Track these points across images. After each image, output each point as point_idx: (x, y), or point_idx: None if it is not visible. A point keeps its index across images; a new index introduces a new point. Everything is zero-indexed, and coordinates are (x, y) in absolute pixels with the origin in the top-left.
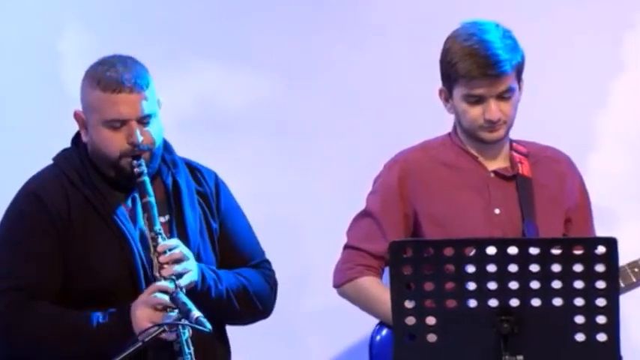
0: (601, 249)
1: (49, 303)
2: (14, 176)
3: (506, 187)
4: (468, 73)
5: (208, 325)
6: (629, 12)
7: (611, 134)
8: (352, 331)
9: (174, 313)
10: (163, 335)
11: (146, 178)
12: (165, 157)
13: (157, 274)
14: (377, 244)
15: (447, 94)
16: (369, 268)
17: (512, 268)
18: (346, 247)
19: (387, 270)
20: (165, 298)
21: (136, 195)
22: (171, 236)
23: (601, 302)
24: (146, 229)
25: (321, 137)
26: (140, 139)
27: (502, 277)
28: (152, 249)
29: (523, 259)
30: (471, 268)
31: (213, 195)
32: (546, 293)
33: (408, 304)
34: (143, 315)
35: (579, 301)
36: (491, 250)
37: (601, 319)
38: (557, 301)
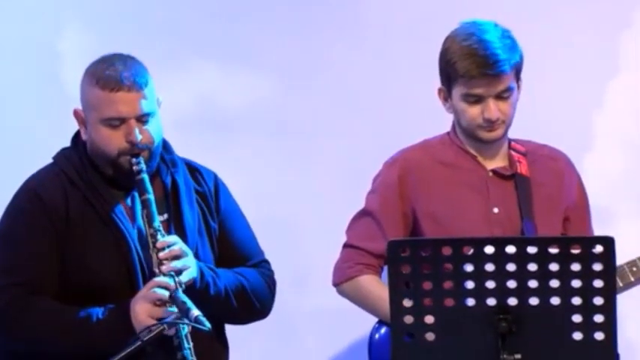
0: (598, 248)
1: (48, 299)
2: (14, 176)
3: (505, 186)
4: (467, 73)
5: (207, 324)
6: (627, 11)
7: (609, 134)
8: (351, 330)
9: (174, 309)
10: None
11: (145, 176)
12: (164, 156)
13: (156, 270)
14: (376, 243)
15: (445, 93)
16: (368, 266)
17: (510, 267)
18: (345, 245)
19: (386, 268)
20: (165, 293)
21: (135, 194)
22: (169, 235)
23: (598, 301)
24: (145, 227)
25: (320, 137)
26: (139, 137)
27: (500, 276)
28: (151, 245)
29: (521, 258)
30: (469, 267)
31: (213, 195)
32: (544, 292)
33: (407, 303)
34: (142, 310)
35: (577, 300)
36: (489, 249)
37: (598, 318)
38: (555, 300)
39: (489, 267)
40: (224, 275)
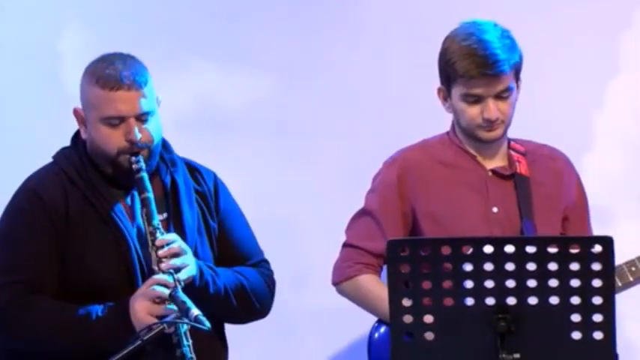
0: (597, 248)
1: (48, 298)
2: (14, 176)
3: (504, 186)
4: (467, 73)
5: (207, 324)
6: (627, 11)
7: (608, 134)
8: (351, 329)
9: (173, 306)
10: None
11: (144, 174)
12: (163, 155)
13: (155, 268)
14: (376, 243)
15: (445, 93)
16: (367, 266)
17: (509, 266)
18: (345, 245)
19: (385, 268)
20: (164, 290)
21: (135, 193)
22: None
23: (597, 300)
24: (144, 226)
25: (320, 137)
26: (138, 136)
27: (499, 275)
28: (150, 243)
29: (520, 257)
30: (468, 267)
31: (212, 194)
32: (543, 291)
33: (406, 303)
34: (141, 308)
35: (576, 300)
36: (488, 249)
37: (597, 317)
38: (554, 300)
39: (488, 266)
40: (223, 274)
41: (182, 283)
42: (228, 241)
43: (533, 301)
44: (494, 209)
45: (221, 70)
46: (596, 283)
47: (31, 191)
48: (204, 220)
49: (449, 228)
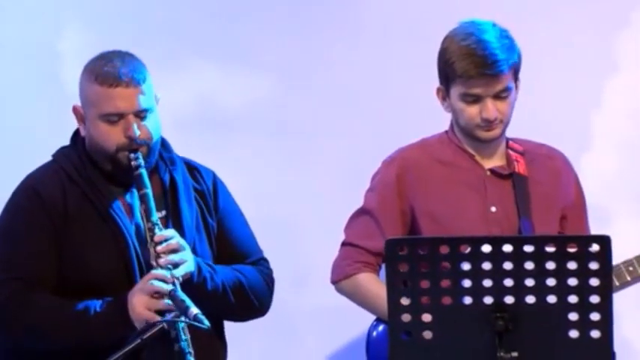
0: (595, 247)
1: (47, 294)
2: (14, 176)
3: (503, 185)
4: (466, 73)
5: (206, 322)
6: (625, 12)
7: (606, 133)
8: (350, 327)
9: (170, 302)
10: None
11: (143, 171)
12: (162, 154)
13: (154, 263)
14: (374, 241)
15: (444, 92)
16: (366, 264)
17: (507, 265)
18: (344, 244)
19: (384, 266)
20: (162, 285)
21: (134, 190)
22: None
23: (595, 299)
24: (143, 223)
25: (320, 137)
26: (137, 133)
27: (497, 274)
28: (149, 239)
29: (518, 256)
30: (466, 266)
31: (211, 193)
32: (541, 291)
33: (404, 302)
34: (140, 302)
35: (573, 299)
36: (486, 248)
37: (595, 316)
38: (552, 299)
39: (486, 265)
40: (221, 271)
41: (180, 279)
42: (227, 240)
43: (530, 299)
44: (493, 208)
45: (221, 70)
46: (594, 282)
47: (30, 189)
48: (203, 218)
49: (447, 227)
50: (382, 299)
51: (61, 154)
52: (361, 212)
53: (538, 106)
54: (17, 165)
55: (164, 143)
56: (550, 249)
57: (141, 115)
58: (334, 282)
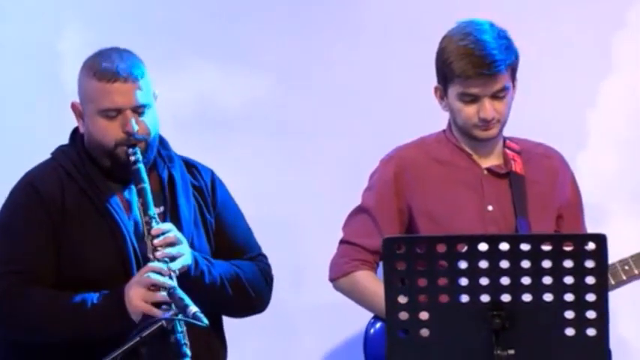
0: (591, 245)
1: (45, 287)
2: (14, 176)
3: (500, 184)
4: (463, 73)
5: (205, 320)
6: (621, 12)
7: (602, 132)
8: (347, 325)
9: (166, 292)
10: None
11: (141, 166)
12: (161, 152)
13: (151, 257)
14: (372, 239)
15: (442, 92)
16: (364, 262)
17: (504, 264)
18: (342, 242)
19: (381, 264)
20: (159, 278)
21: (132, 186)
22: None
23: (590, 297)
24: (140, 217)
25: (320, 137)
26: (135, 128)
27: (494, 273)
28: (146, 232)
29: (514, 255)
30: (463, 264)
31: (209, 189)
32: (537, 289)
33: (402, 300)
34: (136, 295)
35: (569, 297)
36: (483, 247)
37: (590, 314)
38: (548, 297)
39: (483, 264)
40: (219, 265)
41: (177, 272)
42: (226, 236)
43: (527, 298)
44: (490, 207)
45: (221, 70)
46: (590, 280)
47: (29, 185)
48: (201, 213)
49: (444, 226)
50: (380, 297)
51: (60, 151)
52: (359, 210)
53: (535, 106)
54: (17, 165)
55: (162, 141)
56: (546, 247)
57: (139, 110)
58: (332, 280)
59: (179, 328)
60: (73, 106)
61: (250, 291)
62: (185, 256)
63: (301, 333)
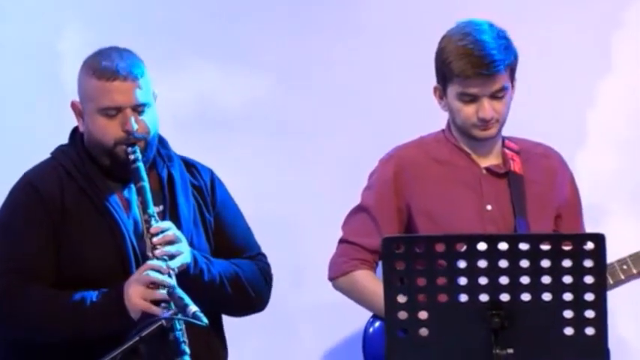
0: (589, 245)
1: (44, 286)
2: (14, 176)
3: (499, 184)
4: (462, 73)
5: (205, 320)
6: (618, 12)
7: (601, 132)
8: (346, 324)
9: (166, 289)
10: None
11: (140, 164)
12: (160, 151)
13: (150, 255)
14: (371, 239)
15: (441, 92)
16: (363, 262)
17: (503, 263)
18: (341, 241)
19: (381, 263)
20: (158, 276)
21: (132, 185)
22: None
23: (589, 297)
24: (140, 215)
25: (320, 137)
26: (135, 126)
27: (493, 272)
28: (145, 231)
29: (513, 254)
30: (462, 264)
31: (208, 189)
32: (536, 288)
33: (401, 299)
34: (136, 292)
35: (568, 296)
36: (481, 246)
37: (589, 314)
38: (547, 296)
39: (482, 263)
40: (218, 263)
41: (176, 270)
42: (225, 235)
43: (526, 297)
44: (488, 207)
45: (221, 70)
46: (588, 279)
47: (29, 184)
48: (201, 213)
49: (443, 225)
50: (379, 296)
51: (60, 151)
52: (358, 210)
53: (533, 106)
54: (17, 164)
55: (162, 141)
56: (545, 247)
57: (138, 109)
58: (331, 279)
59: (178, 326)
60: (73, 105)
61: (249, 290)
62: (184, 254)
63: (301, 332)
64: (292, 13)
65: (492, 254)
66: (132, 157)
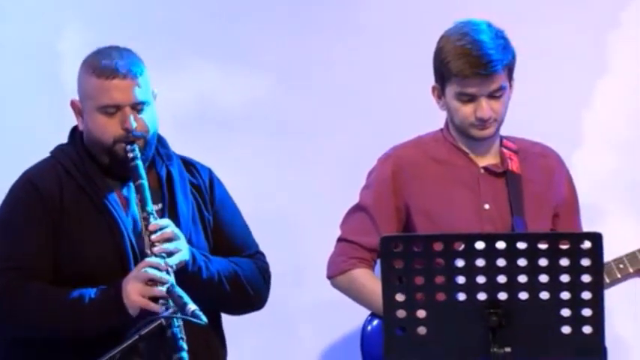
0: (586, 244)
1: (43, 284)
2: (14, 176)
3: (496, 183)
4: (461, 72)
5: (204, 318)
6: (615, 12)
7: (597, 132)
8: (345, 322)
9: (165, 288)
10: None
11: (139, 162)
12: (159, 150)
13: (148, 252)
14: (370, 237)
15: (439, 91)
16: (361, 260)
17: (501, 262)
18: (340, 239)
19: (379, 262)
20: (156, 273)
21: (131, 183)
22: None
23: (586, 295)
24: (138, 213)
25: (319, 137)
26: (134, 125)
27: (490, 271)
28: (143, 228)
29: (511, 253)
30: (460, 263)
31: (207, 187)
32: (533, 287)
33: (399, 298)
34: (134, 289)
35: (565, 295)
36: (479, 245)
37: (586, 312)
38: (544, 295)
39: (480, 262)
40: (217, 261)
41: (174, 267)
42: (224, 233)
43: (523, 296)
44: (486, 206)
45: (221, 69)
46: (586, 278)
47: (28, 182)
48: (199, 211)
49: (441, 224)
50: (377, 295)
51: (59, 150)
52: (357, 209)
53: (531, 105)
54: (17, 164)
55: (161, 140)
56: (543, 246)
57: (137, 107)
58: (330, 277)
59: (176, 323)
60: (72, 104)
61: (248, 288)
62: (182, 251)
63: (299, 331)
64: (292, 13)
65: (490, 253)
66: (131, 155)
